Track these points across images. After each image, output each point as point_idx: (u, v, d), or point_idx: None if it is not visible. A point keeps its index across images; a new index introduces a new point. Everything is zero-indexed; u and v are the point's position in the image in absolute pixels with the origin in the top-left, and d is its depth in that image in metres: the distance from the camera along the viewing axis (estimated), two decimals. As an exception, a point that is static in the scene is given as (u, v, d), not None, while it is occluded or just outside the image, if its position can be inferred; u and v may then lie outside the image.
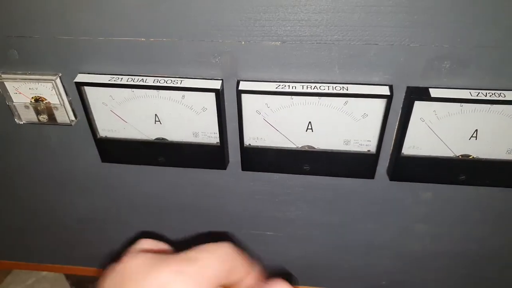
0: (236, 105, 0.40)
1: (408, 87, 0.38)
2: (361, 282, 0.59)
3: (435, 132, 0.39)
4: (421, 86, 0.37)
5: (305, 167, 0.44)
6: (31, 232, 0.60)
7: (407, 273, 0.56)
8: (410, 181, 0.44)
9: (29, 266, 0.68)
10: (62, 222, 0.57)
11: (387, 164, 0.43)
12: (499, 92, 0.36)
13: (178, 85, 0.39)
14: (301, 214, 0.50)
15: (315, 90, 0.37)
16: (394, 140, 0.41)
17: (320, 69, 0.37)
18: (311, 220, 0.51)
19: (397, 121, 0.40)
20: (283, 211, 0.50)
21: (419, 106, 0.37)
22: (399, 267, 0.55)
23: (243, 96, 0.39)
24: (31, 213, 0.57)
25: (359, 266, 0.56)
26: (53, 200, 0.54)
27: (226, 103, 0.41)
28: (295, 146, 0.42)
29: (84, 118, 0.43)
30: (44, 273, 0.77)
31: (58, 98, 0.42)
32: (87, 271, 0.65)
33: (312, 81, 0.38)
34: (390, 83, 0.37)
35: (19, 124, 0.45)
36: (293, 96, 0.38)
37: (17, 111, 0.44)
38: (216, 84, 0.39)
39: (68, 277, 0.81)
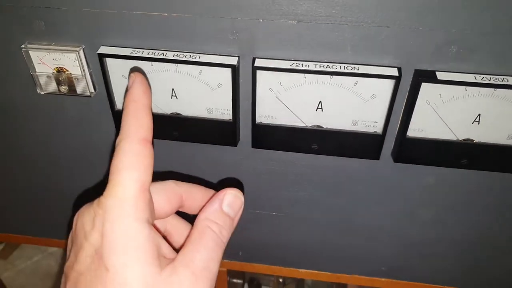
0: (251, 83, 0.42)
1: (416, 70, 0.39)
2: (361, 267, 0.60)
3: (439, 115, 0.41)
4: (428, 69, 0.39)
5: (313, 146, 0.46)
6: (43, 206, 0.62)
7: (407, 259, 0.57)
8: (413, 163, 0.45)
9: (37, 240, 0.69)
10: (73, 196, 0.59)
11: (392, 146, 0.45)
12: (502, 77, 0.38)
13: (196, 59, 0.41)
14: (306, 195, 0.52)
15: (327, 69, 0.39)
16: (400, 122, 0.43)
17: (333, 49, 0.39)
18: (315, 201, 0.53)
19: (404, 103, 0.42)
20: (289, 191, 0.52)
21: (425, 89, 0.39)
22: (399, 252, 0.57)
23: (258, 72, 0.41)
24: (44, 186, 0.59)
25: (359, 251, 0.58)
26: (66, 172, 0.56)
27: (240, 81, 0.43)
28: (305, 125, 0.44)
29: (103, 90, 0.45)
30: (51, 249, 0.79)
31: (80, 69, 0.44)
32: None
33: (325, 60, 0.40)
34: (399, 66, 0.39)
35: (40, 94, 0.47)
36: (305, 75, 0.40)
37: (39, 81, 0.46)
38: (233, 60, 0.41)
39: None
